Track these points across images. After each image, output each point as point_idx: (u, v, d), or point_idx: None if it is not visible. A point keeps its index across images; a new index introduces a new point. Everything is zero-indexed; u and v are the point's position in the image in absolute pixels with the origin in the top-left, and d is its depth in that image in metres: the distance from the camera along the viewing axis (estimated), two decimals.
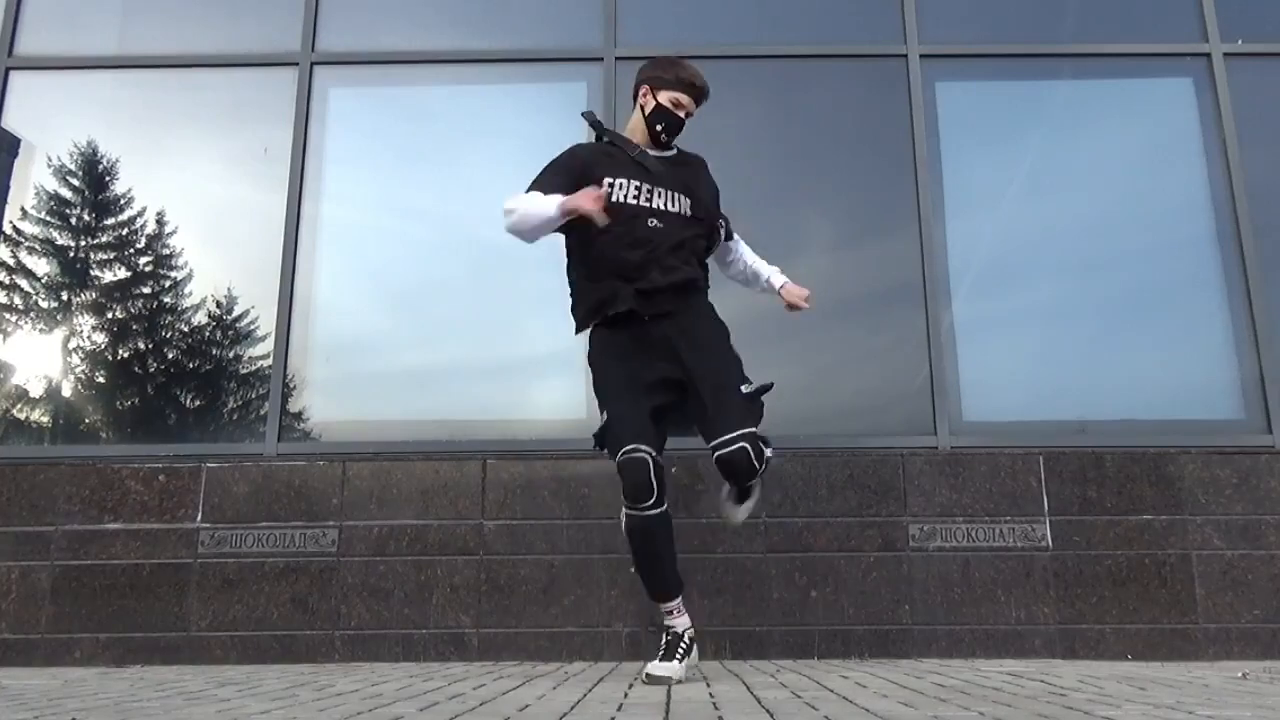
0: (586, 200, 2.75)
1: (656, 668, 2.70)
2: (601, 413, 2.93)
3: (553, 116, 4.50)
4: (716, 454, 2.77)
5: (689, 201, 2.99)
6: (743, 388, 2.84)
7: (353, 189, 4.40)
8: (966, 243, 4.25)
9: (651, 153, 3.02)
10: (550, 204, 2.82)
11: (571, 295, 3.04)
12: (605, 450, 2.87)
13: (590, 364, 2.97)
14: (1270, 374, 4.03)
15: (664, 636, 2.84)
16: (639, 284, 2.85)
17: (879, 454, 3.88)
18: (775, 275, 3.17)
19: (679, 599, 2.87)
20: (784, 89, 4.45)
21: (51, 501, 3.85)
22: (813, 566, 3.74)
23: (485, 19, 4.57)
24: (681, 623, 2.85)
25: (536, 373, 4.22)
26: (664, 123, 2.99)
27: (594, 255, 2.92)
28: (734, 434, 2.75)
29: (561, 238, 3.02)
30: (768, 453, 2.84)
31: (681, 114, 2.99)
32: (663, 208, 2.94)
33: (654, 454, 2.75)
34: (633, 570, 2.97)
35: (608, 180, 2.91)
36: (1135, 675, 2.88)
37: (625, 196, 2.91)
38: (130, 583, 3.76)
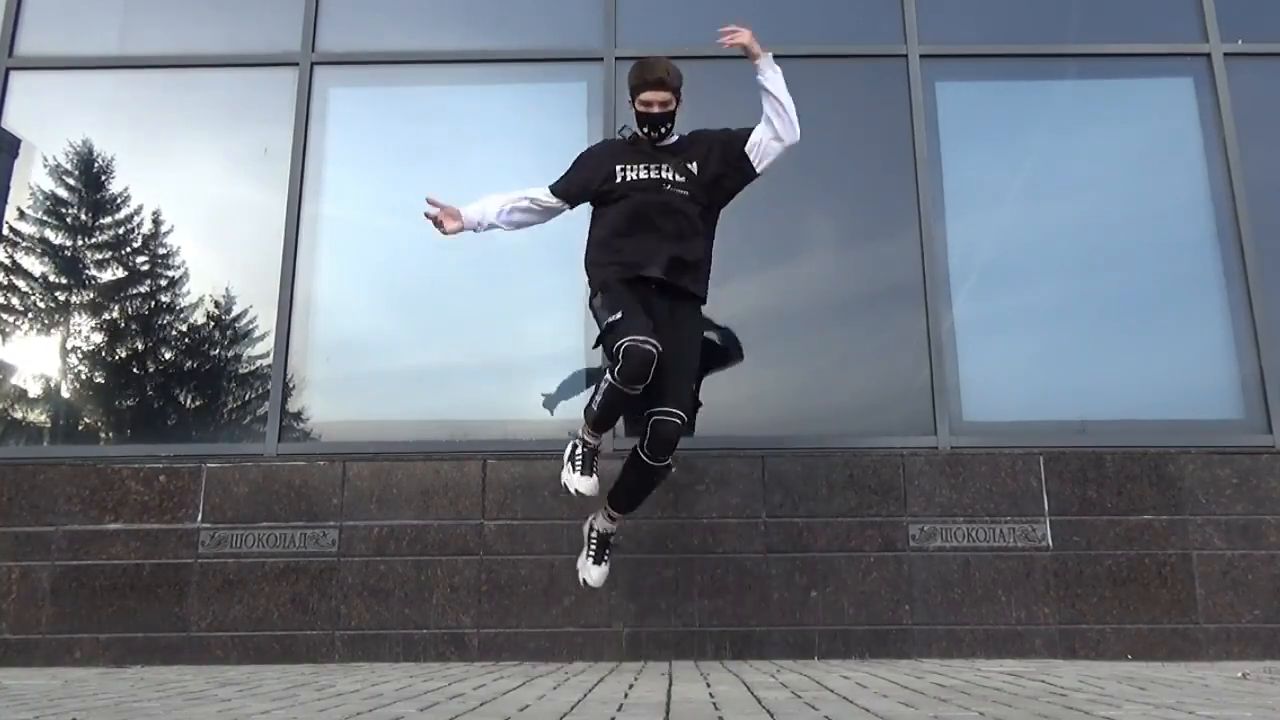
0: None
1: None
2: (606, 316, 3.01)
3: (553, 116, 4.50)
4: (656, 418, 3.00)
5: (687, 179, 3.20)
6: (695, 388, 3.16)
7: (353, 189, 4.41)
8: (967, 243, 4.25)
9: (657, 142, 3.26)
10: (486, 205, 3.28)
11: (593, 253, 3.24)
12: (603, 348, 3.09)
13: (601, 289, 3.12)
14: (1270, 374, 4.03)
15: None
16: (672, 252, 3.11)
17: (879, 454, 3.88)
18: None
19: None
20: None
21: (51, 501, 3.85)
22: (813, 566, 3.74)
23: (485, 19, 4.57)
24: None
25: (536, 373, 4.21)
26: (646, 124, 3.18)
27: (625, 214, 3.16)
28: (675, 409, 3.00)
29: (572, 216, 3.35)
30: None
31: (655, 109, 3.14)
32: (667, 176, 3.18)
33: (660, 350, 2.88)
34: (592, 407, 3.05)
35: (619, 167, 3.20)
36: (1135, 675, 2.88)
37: (637, 175, 3.18)
38: (130, 583, 3.76)
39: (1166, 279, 4.25)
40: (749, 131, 3.23)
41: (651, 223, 3.14)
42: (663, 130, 3.19)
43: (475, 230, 3.29)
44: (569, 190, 3.28)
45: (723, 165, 3.21)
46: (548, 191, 3.27)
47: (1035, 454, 3.86)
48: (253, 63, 4.51)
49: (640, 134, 3.21)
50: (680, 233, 3.15)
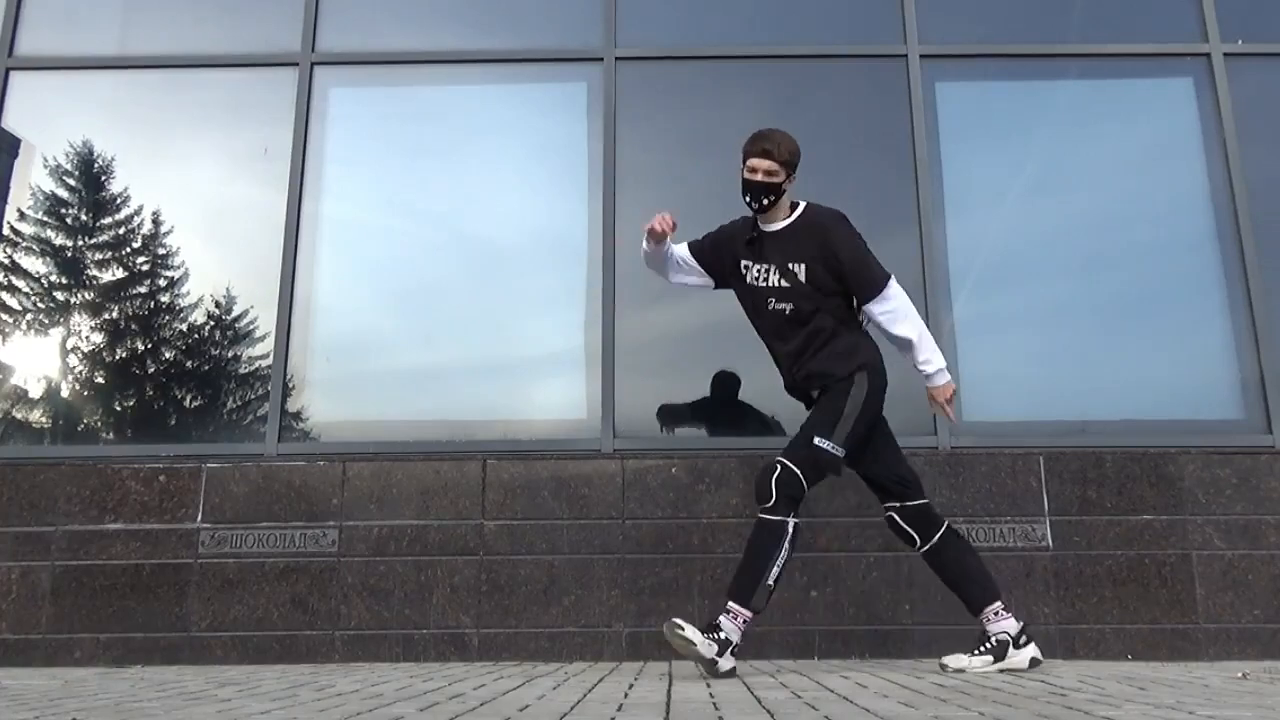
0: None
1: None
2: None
3: (553, 116, 4.50)
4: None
5: (799, 271, 3.07)
6: (817, 439, 2.95)
7: (353, 188, 4.41)
8: (967, 243, 4.25)
9: (765, 228, 3.13)
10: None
11: None
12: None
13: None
14: (1270, 374, 4.03)
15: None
16: (785, 376, 3.16)
17: None
18: (927, 365, 3.12)
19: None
20: (784, 89, 4.45)
21: (51, 501, 3.85)
22: (813, 566, 3.73)
23: (485, 19, 4.57)
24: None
25: (536, 373, 4.22)
26: (747, 193, 3.10)
27: (756, 325, 3.21)
28: (781, 455, 2.98)
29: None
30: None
31: (758, 177, 3.04)
32: (774, 284, 3.09)
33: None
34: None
35: (743, 261, 3.15)
36: (1135, 675, 2.88)
37: (752, 278, 3.14)
38: (130, 583, 3.76)
39: (1166, 279, 4.25)
40: (865, 293, 3.07)
41: (770, 336, 3.17)
42: (764, 202, 3.06)
43: (657, 254, 3.21)
44: (698, 246, 3.25)
45: (831, 282, 3.08)
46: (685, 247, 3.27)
47: (1035, 454, 3.86)
48: (253, 63, 4.51)
49: (744, 202, 3.10)
50: (801, 348, 3.07)
